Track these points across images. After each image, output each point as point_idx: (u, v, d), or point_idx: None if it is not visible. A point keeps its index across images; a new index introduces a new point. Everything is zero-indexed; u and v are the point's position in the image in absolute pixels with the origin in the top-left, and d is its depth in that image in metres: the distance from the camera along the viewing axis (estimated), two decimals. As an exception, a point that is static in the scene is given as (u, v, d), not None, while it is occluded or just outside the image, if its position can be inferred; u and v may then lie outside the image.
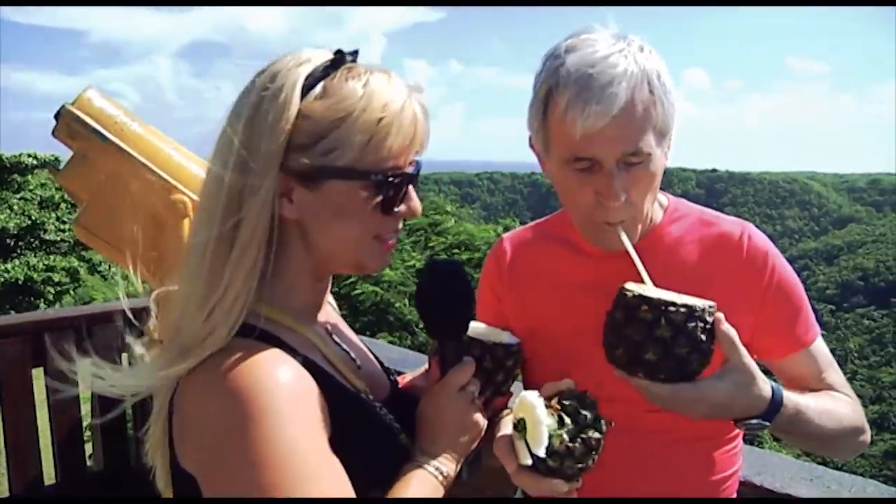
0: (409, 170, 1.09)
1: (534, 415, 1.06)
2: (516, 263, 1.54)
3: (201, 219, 1.05)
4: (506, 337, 1.32)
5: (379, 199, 1.06)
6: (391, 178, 1.05)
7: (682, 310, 1.09)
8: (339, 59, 1.07)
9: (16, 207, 21.50)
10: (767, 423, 1.17)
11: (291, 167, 1.03)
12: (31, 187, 24.12)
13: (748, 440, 1.62)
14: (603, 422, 1.11)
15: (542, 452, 1.05)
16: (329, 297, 1.38)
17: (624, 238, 1.24)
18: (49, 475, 2.61)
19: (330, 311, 1.30)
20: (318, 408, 0.99)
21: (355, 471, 1.00)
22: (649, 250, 1.36)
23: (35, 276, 20.99)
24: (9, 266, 20.68)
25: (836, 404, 1.32)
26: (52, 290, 21.55)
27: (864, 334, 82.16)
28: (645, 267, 1.29)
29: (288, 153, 1.03)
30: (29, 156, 24.31)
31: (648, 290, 1.17)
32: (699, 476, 1.38)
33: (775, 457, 1.76)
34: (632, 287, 1.16)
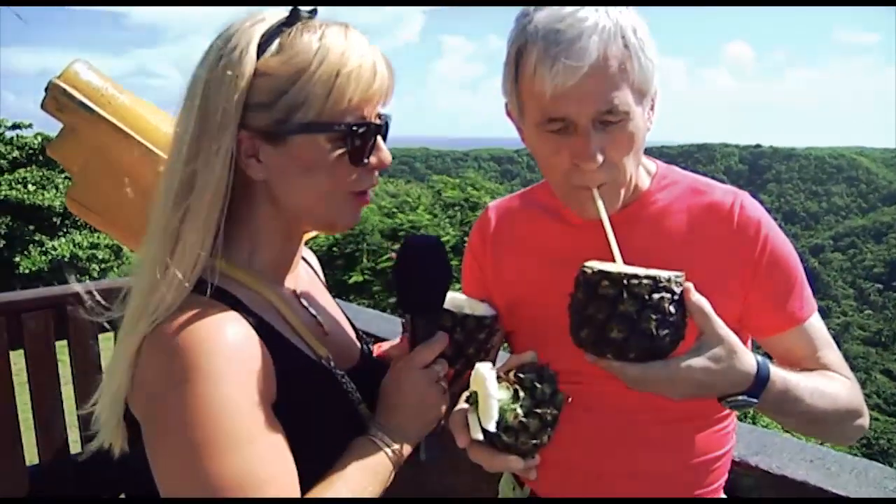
0: (376, 121, 1.08)
1: (484, 387, 1.03)
2: (500, 232, 1.51)
3: (163, 180, 1.06)
4: (482, 309, 1.28)
5: (345, 150, 1.06)
6: (356, 129, 1.05)
7: (646, 281, 1.02)
8: (294, 16, 1.07)
9: (61, 187, 21.95)
10: (755, 400, 1.10)
11: (254, 126, 1.04)
12: (76, 167, 24.60)
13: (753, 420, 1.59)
14: (560, 397, 1.08)
15: (491, 427, 1.02)
16: (311, 261, 1.40)
17: (600, 205, 1.18)
18: (75, 444, 2.70)
19: (302, 275, 1.29)
20: (262, 371, 0.99)
21: (306, 437, 1.02)
22: (634, 218, 1.33)
23: (80, 253, 21.47)
24: (56, 244, 21.18)
25: (830, 383, 1.25)
26: (98, 267, 22.05)
27: (912, 314, 79.80)
28: (630, 236, 1.24)
29: (249, 112, 1.03)
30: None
31: (610, 265, 1.10)
32: (686, 456, 1.34)
33: (777, 437, 1.70)
34: (592, 264, 1.09)
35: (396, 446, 1.08)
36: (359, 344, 1.31)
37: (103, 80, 1.82)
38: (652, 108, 1.27)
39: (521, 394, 1.06)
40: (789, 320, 1.32)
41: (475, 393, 1.05)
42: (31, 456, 2.58)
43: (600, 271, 1.06)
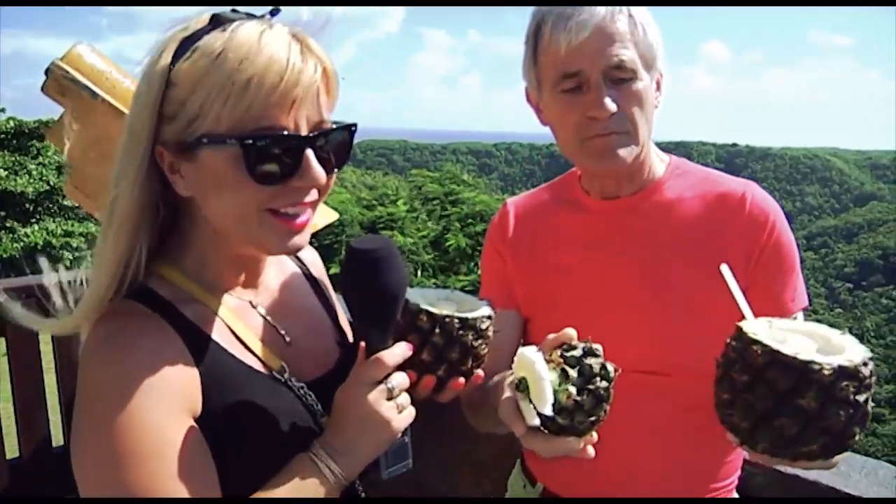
0: (292, 131, 0.96)
1: (534, 371, 0.99)
2: (519, 224, 1.55)
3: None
4: (475, 309, 1.16)
5: (244, 165, 0.95)
6: (254, 141, 0.93)
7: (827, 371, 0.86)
8: (218, 20, 0.97)
9: (34, 173, 21.60)
10: None
11: (167, 140, 0.98)
12: (50, 153, 24.24)
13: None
14: (610, 368, 1.03)
15: (548, 410, 0.98)
16: (308, 259, 1.36)
17: (727, 276, 1.07)
18: (57, 438, 2.62)
19: (271, 281, 1.22)
20: (179, 384, 0.96)
21: (245, 450, 1.00)
22: (647, 203, 1.39)
23: (54, 241, 21.17)
24: (28, 231, 20.86)
25: None
26: (71, 256, 21.74)
27: (881, 313, 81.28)
28: (642, 220, 1.31)
29: (162, 125, 0.98)
30: (47, 122, 24.38)
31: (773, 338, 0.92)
32: (698, 443, 1.35)
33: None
34: (756, 334, 0.92)
35: (336, 467, 1.00)
36: (339, 350, 1.25)
37: (107, 64, 1.77)
38: (658, 89, 1.36)
39: (571, 372, 1.01)
40: (780, 310, 1.33)
41: (524, 379, 1.01)
42: (12, 449, 2.51)
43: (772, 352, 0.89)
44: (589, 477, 1.40)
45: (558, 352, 1.05)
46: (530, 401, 1.00)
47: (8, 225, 20.73)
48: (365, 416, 1.00)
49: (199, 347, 1.01)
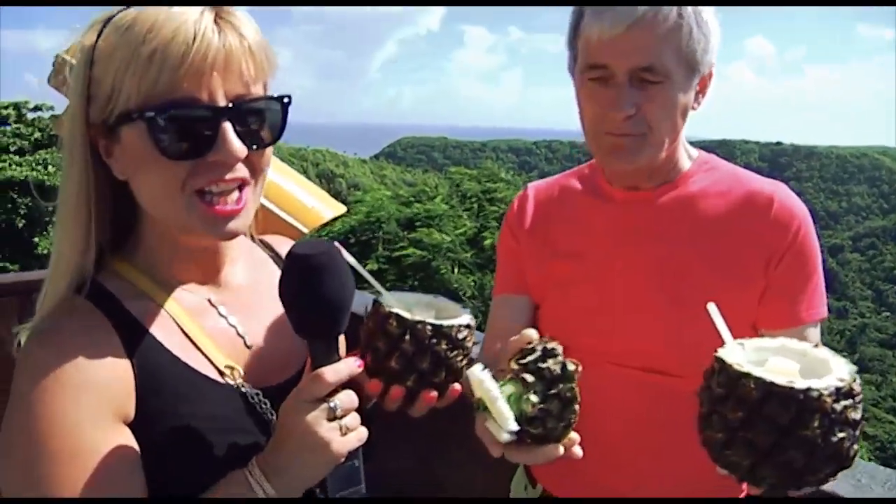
0: (207, 103, 0.91)
1: (485, 390, 0.94)
2: (538, 208, 1.53)
3: None
4: (460, 316, 1.06)
5: (150, 140, 0.91)
6: (156, 114, 0.89)
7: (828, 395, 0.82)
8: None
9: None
10: None
11: (93, 122, 0.95)
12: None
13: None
14: (571, 367, 0.98)
15: (512, 426, 0.94)
16: (265, 261, 1.26)
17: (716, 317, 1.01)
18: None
19: (238, 279, 1.15)
20: (106, 386, 0.93)
21: (178, 457, 0.96)
22: (669, 196, 1.36)
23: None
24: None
25: None
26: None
27: (931, 317, 78.83)
28: (663, 213, 1.27)
29: (89, 107, 0.95)
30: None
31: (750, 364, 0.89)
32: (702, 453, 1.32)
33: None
34: (736, 362, 0.88)
35: (269, 487, 0.92)
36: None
37: None
38: (702, 92, 1.30)
39: (530, 379, 0.96)
40: (795, 318, 1.29)
41: (480, 399, 0.96)
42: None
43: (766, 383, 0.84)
44: (591, 479, 1.38)
45: (514, 360, 1.00)
46: (494, 420, 0.96)
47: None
48: (302, 437, 0.91)
49: (139, 349, 0.97)
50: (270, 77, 1.00)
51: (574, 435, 1.01)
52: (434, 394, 1.04)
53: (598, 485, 1.37)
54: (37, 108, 21.91)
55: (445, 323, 1.03)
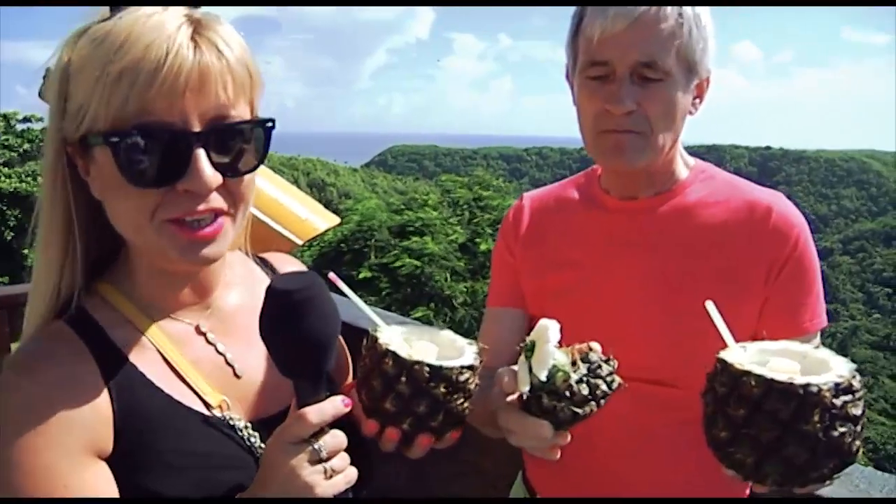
0: (179, 127, 0.85)
1: (545, 335, 0.94)
2: (533, 218, 1.51)
3: None
4: (463, 355, 1.01)
5: (118, 167, 0.85)
6: (120, 139, 0.83)
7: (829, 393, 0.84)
8: (118, 7, 0.87)
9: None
10: None
11: (66, 138, 0.90)
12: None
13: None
14: (617, 380, 1.00)
15: (543, 375, 0.93)
16: (260, 284, 1.15)
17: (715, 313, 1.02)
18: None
19: (228, 305, 1.09)
20: (82, 420, 0.88)
21: (160, 493, 0.91)
22: (666, 206, 1.35)
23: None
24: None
25: None
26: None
27: (921, 319, 79.33)
28: (661, 222, 1.27)
29: (62, 122, 0.90)
30: None
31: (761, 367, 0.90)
32: (707, 459, 1.31)
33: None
34: (737, 361, 0.91)
35: None
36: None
37: None
38: (700, 98, 1.31)
39: (580, 363, 0.99)
40: (795, 329, 1.28)
41: (533, 342, 0.97)
42: None
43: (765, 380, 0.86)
44: (587, 488, 1.37)
45: (578, 349, 1.03)
46: (530, 366, 0.96)
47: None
48: (285, 481, 0.87)
49: (119, 381, 0.92)
50: (257, 94, 0.94)
51: (568, 436, 1.02)
52: (431, 438, 1.00)
53: (595, 494, 1.37)
54: (26, 120, 21.85)
55: (445, 364, 0.97)
